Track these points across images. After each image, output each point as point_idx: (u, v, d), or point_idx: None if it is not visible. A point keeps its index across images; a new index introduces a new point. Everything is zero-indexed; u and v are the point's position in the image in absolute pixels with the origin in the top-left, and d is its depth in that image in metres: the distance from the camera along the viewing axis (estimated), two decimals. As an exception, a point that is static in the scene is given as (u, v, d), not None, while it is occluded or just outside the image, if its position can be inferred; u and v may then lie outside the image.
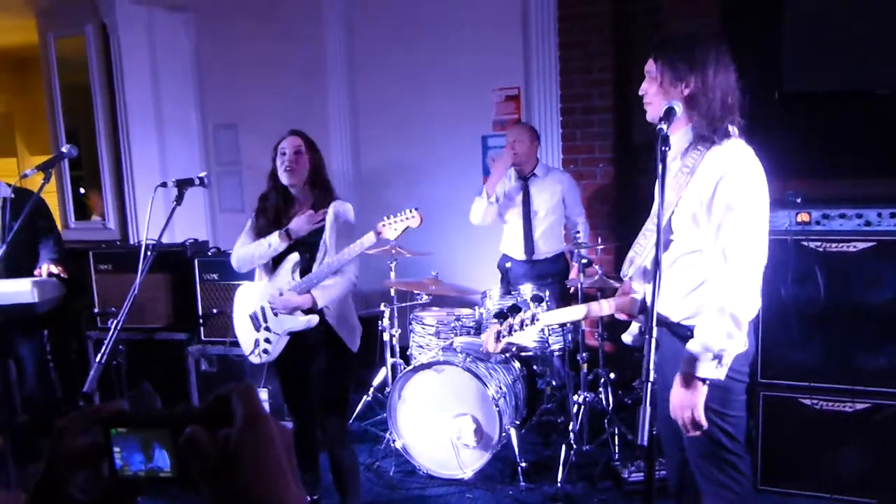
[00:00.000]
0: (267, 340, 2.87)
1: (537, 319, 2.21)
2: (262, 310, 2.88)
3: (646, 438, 1.65)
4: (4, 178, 3.84)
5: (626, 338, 2.47)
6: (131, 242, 5.63)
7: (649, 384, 1.72)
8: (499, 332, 2.19)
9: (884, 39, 3.62)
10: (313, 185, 2.87)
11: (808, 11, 3.75)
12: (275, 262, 2.87)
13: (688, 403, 2.00)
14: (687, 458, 2.27)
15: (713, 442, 2.14)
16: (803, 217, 3.06)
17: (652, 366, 1.74)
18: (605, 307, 2.32)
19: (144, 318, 4.40)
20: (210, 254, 4.53)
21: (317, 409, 2.91)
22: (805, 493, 3.20)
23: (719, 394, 2.12)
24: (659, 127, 1.88)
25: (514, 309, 2.21)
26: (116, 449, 0.62)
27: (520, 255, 4.23)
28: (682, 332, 2.12)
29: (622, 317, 2.37)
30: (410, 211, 2.76)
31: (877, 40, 3.64)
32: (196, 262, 4.37)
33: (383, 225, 2.78)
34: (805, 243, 3.04)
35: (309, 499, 3.30)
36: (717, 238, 2.01)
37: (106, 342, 2.40)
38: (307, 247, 2.82)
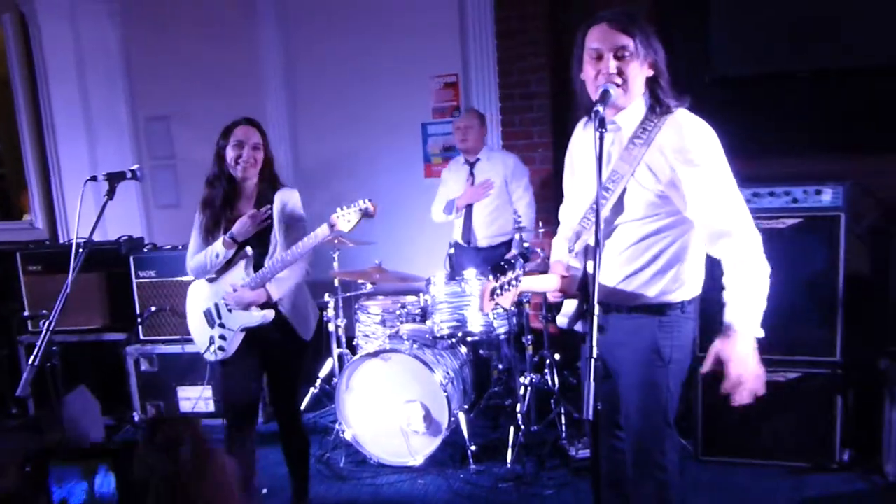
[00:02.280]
0: (222, 337, 2.83)
1: (519, 282, 2.14)
2: (216, 306, 2.84)
3: (591, 412, 1.69)
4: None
5: (561, 320, 2.34)
6: (61, 241, 5.43)
7: (593, 360, 1.77)
8: (493, 290, 2.10)
9: (803, 23, 3.78)
10: (264, 179, 2.84)
11: (734, -3, 3.88)
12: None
13: (754, 360, 2.04)
14: (618, 444, 2.30)
15: (664, 422, 2.19)
16: (735, 195, 3.16)
17: (595, 342, 1.78)
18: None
19: (80, 320, 4.25)
20: (146, 250, 4.40)
21: (270, 396, 2.89)
22: (744, 462, 3.35)
23: (677, 370, 2.20)
24: (596, 108, 1.82)
25: (502, 268, 2.23)
26: (55, 482, 0.61)
27: (462, 240, 4.26)
28: (656, 309, 2.13)
29: (557, 296, 2.29)
30: (364, 201, 2.68)
31: (797, 24, 3.79)
32: (131, 259, 4.25)
33: (337, 216, 2.69)
34: (737, 220, 3.14)
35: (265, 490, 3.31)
36: (707, 201, 1.99)
37: (38, 343, 2.32)
38: (257, 241, 2.78)
